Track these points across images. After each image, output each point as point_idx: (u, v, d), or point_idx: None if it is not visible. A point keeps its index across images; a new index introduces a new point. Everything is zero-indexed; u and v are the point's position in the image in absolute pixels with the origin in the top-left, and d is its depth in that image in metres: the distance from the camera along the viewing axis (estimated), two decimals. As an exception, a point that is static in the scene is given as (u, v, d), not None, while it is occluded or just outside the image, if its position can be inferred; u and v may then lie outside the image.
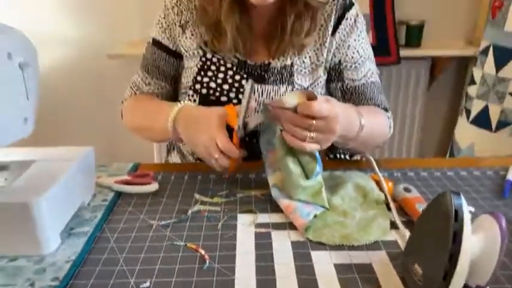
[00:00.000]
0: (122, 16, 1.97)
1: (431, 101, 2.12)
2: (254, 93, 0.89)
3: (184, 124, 0.80)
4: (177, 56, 0.95)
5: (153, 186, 0.79)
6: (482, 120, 1.68)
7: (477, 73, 1.71)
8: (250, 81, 0.76)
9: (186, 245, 0.63)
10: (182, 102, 0.83)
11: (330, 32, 0.91)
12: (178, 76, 0.98)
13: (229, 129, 0.75)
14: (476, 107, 1.70)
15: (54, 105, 1.98)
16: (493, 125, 1.63)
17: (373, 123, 0.83)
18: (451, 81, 2.12)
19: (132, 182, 0.80)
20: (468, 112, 1.74)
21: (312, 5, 0.86)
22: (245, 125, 0.75)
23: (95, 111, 2.08)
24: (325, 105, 0.67)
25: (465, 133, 1.77)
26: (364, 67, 0.94)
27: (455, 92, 2.13)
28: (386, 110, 0.95)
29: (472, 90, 1.73)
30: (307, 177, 0.73)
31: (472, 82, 1.73)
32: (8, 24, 0.60)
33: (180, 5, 0.92)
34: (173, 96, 1.01)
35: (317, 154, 0.73)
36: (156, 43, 0.96)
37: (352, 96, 0.94)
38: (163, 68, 0.96)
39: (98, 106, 2.06)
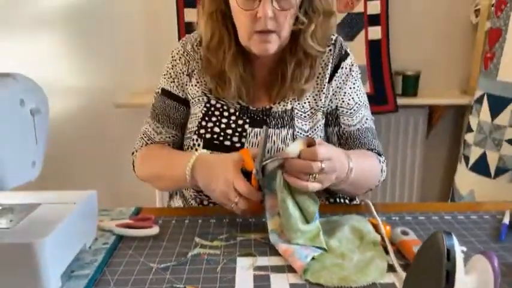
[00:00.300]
0: (128, 67, 2.06)
1: (431, 148, 2.15)
2: (269, 139, 0.93)
3: (202, 171, 0.83)
4: (186, 103, 1.00)
5: (154, 230, 0.80)
6: (481, 167, 1.69)
7: (473, 121, 1.75)
8: (265, 127, 0.82)
9: (185, 287, 0.63)
10: (199, 150, 0.88)
11: (327, 80, 0.96)
12: (186, 125, 1.01)
13: (245, 173, 0.78)
14: (474, 154, 1.72)
15: (61, 149, 2.03)
16: (492, 172, 1.65)
17: (363, 166, 0.86)
18: (449, 129, 2.16)
19: (134, 225, 0.81)
20: (467, 159, 1.77)
21: (310, 53, 0.92)
22: (262, 168, 0.77)
23: (99, 157, 2.12)
24: (324, 148, 0.72)
25: (465, 180, 1.78)
26: (359, 113, 0.98)
27: (453, 139, 2.16)
28: (379, 154, 0.98)
29: (469, 137, 1.76)
30: (307, 221, 0.75)
31: (469, 130, 1.77)
32: (20, 73, 0.64)
33: (186, 55, 0.99)
34: (182, 143, 1.04)
35: (316, 198, 0.76)
36: (165, 93, 1.00)
37: (348, 140, 0.97)
38: (174, 116, 1.00)
39: (103, 152, 2.10)
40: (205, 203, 0.99)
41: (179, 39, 1.89)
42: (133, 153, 1.04)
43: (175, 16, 1.92)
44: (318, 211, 0.76)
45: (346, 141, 0.97)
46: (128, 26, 2.01)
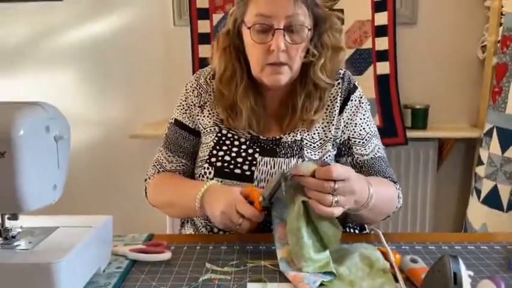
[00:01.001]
0: (145, 100, 2.13)
1: (442, 181, 2.14)
2: (279, 167, 0.95)
3: (208, 199, 0.87)
4: (197, 134, 1.04)
5: (166, 255, 0.81)
6: (493, 200, 1.68)
7: (484, 154, 1.75)
8: (281, 171, 0.85)
9: (195, 311, 0.64)
10: (209, 181, 0.91)
11: (337, 112, 1.00)
12: (197, 153, 1.05)
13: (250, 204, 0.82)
14: (486, 187, 1.72)
15: (77, 176, 2.08)
16: (504, 205, 1.64)
17: (382, 193, 0.88)
18: (459, 162, 2.15)
19: (147, 250, 0.83)
20: (479, 192, 1.76)
21: (320, 85, 0.97)
22: (271, 197, 0.80)
23: (114, 184, 2.17)
24: (341, 168, 0.74)
25: (477, 213, 1.77)
26: (371, 143, 1.00)
27: (464, 172, 2.15)
28: (394, 182, 0.99)
29: (480, 170, 1.76)
30: (324, 246, 0.77)
31: (480, 162, 1.77)
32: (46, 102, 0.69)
33: (199, 88, 1.04)
34: (192, 172, 1.07)
35: (337, 223, 0.78)
36: (177, 123, 1.05)
37: (362, 169, 0.99)
38: (184, 146, 1.04)
39: (117, 180, 2.15)
40: (216, 230, 1.01)
41: (193, 73, 1.96)
42: (146, 180, 1.08)
43: (190, 52, 2.00)
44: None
45: (360, 170, 0.99)
46: (145, 60, 2.10)
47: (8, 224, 0.68)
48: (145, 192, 1.07)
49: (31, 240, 0.69)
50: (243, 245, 0.87)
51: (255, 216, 0.80)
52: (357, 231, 1.06)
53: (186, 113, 1.04)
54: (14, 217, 0.67)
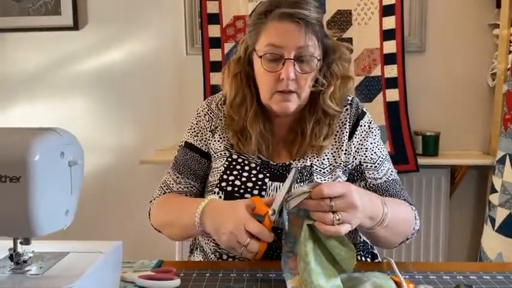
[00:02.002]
0: (156, 126, 2.16)
1: (455, 209, 2.10)
2: (296, 182, 0.93)
3: (211, 216, 0.85)
4: (207, 156, 1.04)
5: (176, 282, 0.81)
6: (508, 229, 1.65)
7: (497, 181, 1.73)
8: (294, 169, 0.81)
9: None
10: (210, 196, 0.90)
11: (346, 138, 1.00)
12: (206, 177, 1.05)
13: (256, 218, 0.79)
14: (500, 215, 1.69)
15: (89, 200, 2.09)
16: (520, 234, 1.60)
17: (398, 211, 0.87)
18: (472, 189, 2.12)
19: (156, 277, 0.82)
20: (493, 220, 1.72)
21: (329, 113, 0.97)
22: (280, 210, 0.78)
23: (124, 210, 2.18)
24: (336, 184, 0.74)
25: (492, 242, 1.73)
26: (384, 166, 1.00)
27: (478, 200, 2.11)
28: (410, 204, 0.98)
29: (494, 198, 1.73)
30: (340, 270, 0.77)
31: (494, 190, 1.75)
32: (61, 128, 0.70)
33: (211, 113, 1.05)
34: (201, 195, 1.07)
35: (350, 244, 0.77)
36: (188, 145, 1.06)
37: (377, 193, 0.98)
38: (195, 168, 1.04)
39: (127, 206, 2.15)
40: (225, 257, 1.00)
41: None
42: (151, 202, 1.08)
43: (202, 80, 2.03)
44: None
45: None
46: (157, 88, 2.15)
47: (20, 248, 0.69)
48: (149, 214, 1.07)
49: (42, 265, 0.69)
50: (252, 273, 0.86)
51: (263, 234, 0.76)
52: (368, 260, 1.04)
53: (197, 135, 1.06)
54: (26, 242, 0.67)
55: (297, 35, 0.91)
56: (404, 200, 0.98)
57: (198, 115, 1.07)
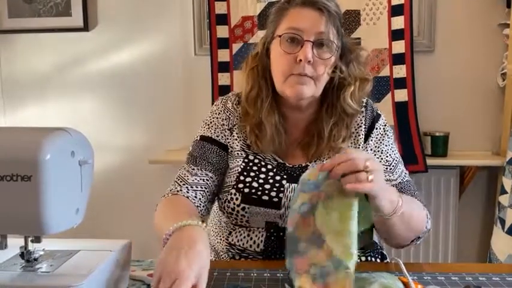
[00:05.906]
0: (165, 127, 2.18)
1: (464, 210, 2.08)
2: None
3: (173, 240, 0.73)
4: (226, 149, 1.02)
5: (184, 281, 0.81)
6: (518, 230, 1.63)
7: (507, 183, 1.71)
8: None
9: (212, 338, 0.63)
10: (198, 222, 0.76)
11: (362, 140, 1.01)
12: (224, 172, 1.02)
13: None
14: (510, 216, 1.67)
15: (99, 199, 2.11)
16: (531, 235, 1.59)
17: (411, 207, 0.87)
18: (482, 190, 2.10)
19: (164, 276, 0.83)
20: (503, 222, 1.71)
21: (348, 112, 0.97)
22: None
23: (133, 209, 2.19)
24: (358, 150, 0.78)
25: (502, 244, 1.71)
26: (398, 168, 1.01)
27: (487, 201, 2.09)
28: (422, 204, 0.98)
29: (503, 199, 1.72)
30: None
31: (503, 191, 1.73)
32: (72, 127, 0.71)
33: (227, 111, 1.04)
34: (217, 188, 1.01)
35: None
36: (205, 138, 1.03)
37: None
38: (212, 160, 1.01)
39: (137, 205, 2.16)
40: (237, 257, 1.00)
41: (213, 100, 2.01)
42: (164, 196, 0.99)
43: (210, 80, 2.04)
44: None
45: None
46: (166, 88, 2.16)
47: (31, 246, 0.70)
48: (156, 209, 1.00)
49: (52, 263, 0.70)
50: (260, 272, 0.87)
51: None
52: (378, 260, 1.04)
53: (215, 130, 1.03)
54: (37, 240, 0.68)
55: (318, 21, 0.91)
56: (418, 200, 0.98)
57: (214, 113, 1.05)
